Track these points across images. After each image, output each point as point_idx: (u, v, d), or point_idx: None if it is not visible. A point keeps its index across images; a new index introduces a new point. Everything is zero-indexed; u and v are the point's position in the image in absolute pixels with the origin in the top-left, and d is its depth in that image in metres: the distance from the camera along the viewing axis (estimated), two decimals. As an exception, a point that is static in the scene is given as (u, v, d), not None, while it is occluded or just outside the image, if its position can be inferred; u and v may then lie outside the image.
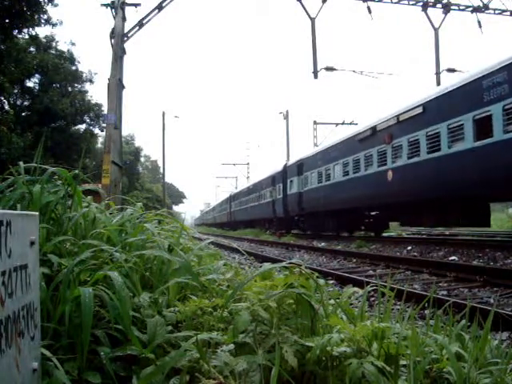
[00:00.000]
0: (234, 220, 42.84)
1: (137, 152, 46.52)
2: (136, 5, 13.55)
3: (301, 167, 22.16)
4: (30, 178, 2.15)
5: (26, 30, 18.54)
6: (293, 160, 25.09)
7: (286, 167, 25.16)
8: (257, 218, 32.44)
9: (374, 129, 14.82)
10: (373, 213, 17.49)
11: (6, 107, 23.50)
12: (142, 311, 1.76)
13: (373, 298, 5.15)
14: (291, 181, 23.47)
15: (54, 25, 20.82)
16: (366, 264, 9.70)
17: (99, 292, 1.57)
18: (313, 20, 15.75)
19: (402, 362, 1.51)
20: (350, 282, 6.14)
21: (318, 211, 19.87)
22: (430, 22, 17.36)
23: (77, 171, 2.33)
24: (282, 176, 25.14)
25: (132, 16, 37.50)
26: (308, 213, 21.41)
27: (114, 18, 13.15)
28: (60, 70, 24.57)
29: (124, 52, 13.30)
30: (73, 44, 36.16)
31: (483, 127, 9.80)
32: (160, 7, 13.51)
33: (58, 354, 1.42)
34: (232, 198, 44.67)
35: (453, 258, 9.43)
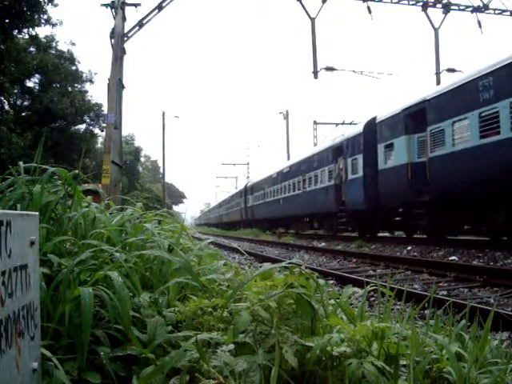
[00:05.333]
0: (252, 218, 32.60)
1: (137, 152, 46.55)
2: (136, 5, 13.56)
3: (418, 116, 11.88)
4: (30, 177, 2.15)
5: (26, 30, 18.54)
6: (392, 109, 13.62)
7: (373, 123, 14.58)
8: (298, 213, 21.74)
9: None
10: None
11: (6, 107, 23.52)
12: (142, 311, 1.76)
13: (373, 298, 5.15)
14: (388, 145, 13.49)
15: (54, 25, 20.87)
16: (366, 264, 9.70)
17: (99, 292, 1.57)
18: (313, 20, 15.76)
19: (402, 362, 1.51)
20: (350, 281, 6.13)
21: (471, 196, 10.24)
22: (430, 22, 17.38)
23: (77, 171, 2.33)
24: (364, 140, 14.83)
25: (132, 16, 37.60)
26: (436, 200, 11.44)
27: (114, 18, 13.15)
28: (60, 69, 24.62)
29: (124, 52, 13.30)
30: (73, 44, 36.11)
31: None
32: (160, 7, 13.51)
33: (58, 354, 1.42)
34: (249, 190, 33.88)
35: (453, 257, 9.42)
